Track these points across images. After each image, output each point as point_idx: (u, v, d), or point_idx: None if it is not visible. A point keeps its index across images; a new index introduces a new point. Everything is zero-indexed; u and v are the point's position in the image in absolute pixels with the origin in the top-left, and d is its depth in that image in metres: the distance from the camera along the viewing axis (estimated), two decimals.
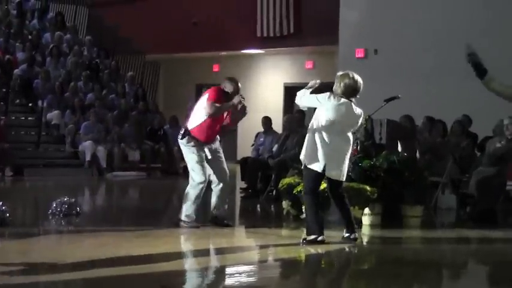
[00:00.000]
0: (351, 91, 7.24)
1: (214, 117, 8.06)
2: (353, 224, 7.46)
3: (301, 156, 7.34)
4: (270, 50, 19.66)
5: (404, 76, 15.06)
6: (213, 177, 8.23)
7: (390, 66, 15.51)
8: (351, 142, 7.37)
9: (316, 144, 7.18)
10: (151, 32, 20.36)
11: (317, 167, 7.18)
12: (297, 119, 12.11)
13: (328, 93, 7.23)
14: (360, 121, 7.39)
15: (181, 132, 8.19)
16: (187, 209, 8.11)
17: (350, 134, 7.36)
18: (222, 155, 8.28)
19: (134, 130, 17.35)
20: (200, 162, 8.06)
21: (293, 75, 20.10)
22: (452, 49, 14.71)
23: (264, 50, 19.86)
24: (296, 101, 7.51)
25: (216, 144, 8.24)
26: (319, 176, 7.27)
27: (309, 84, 7.45)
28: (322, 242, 7.21)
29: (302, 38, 18.31)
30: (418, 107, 12.49)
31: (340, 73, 7.37)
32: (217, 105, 8.04)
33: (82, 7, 21.74)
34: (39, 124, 16.78)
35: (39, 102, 17.13)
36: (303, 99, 7.37)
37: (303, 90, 7.41)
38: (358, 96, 7.32)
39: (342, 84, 7.24)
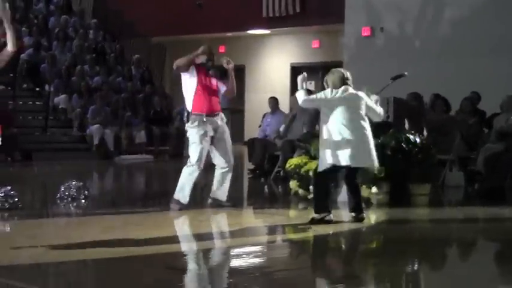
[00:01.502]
0: (339, 80, 7.30)
1: (183, 70, 8.09)
2: (361, 205, 7.47)
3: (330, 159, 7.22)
4: (276, 30, 19.60)
5: (411, 54, 15.00)
6: (217, 160, 8.23)
7: (396, 44, 15.44)
8: (367, 126, 7.32)
9: (337, 139, 7.14)
10: (156, 15, 20.32)
11: (344, 161, 7.14)
12: None
13: (329, 89, 7.28)
14: (363, 101, 7.33)
15: (185, 115, 8.21)
16: (179, 190, 8.08)
17: (362, 119, 7.30)
18: (227, 136, 8.26)
19: (140, 113, 17.35)
20: (199, 143, 8.02)
21: (300, 55, 20.05)
22: (459, 26, 14.67)
23: (270, 30, 19.80)
24: (301, 105, 7.50)
25: (220, 123, 8.21)
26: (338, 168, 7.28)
27: (299, 83, 7.42)
28: (330, 222, 7.22)
29: (308, 17, 18.23)
30: (425, 85, 12.44)
31: (330, 71, 7.48)
32: (180, 60, 8.15)
33: None
34: (46, 109, 16.81)
35: (46, 87, 17.14)
36: (307, 102, 7.36)
37: (300, 93, 7.35)
38: (351, 84, 7.31)
39: (332, 78, 7.35)
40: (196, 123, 8.06)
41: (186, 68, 8.14)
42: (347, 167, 7.27)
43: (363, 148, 7.21)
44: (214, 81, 8.27)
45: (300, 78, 7.46)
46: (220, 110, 8.27)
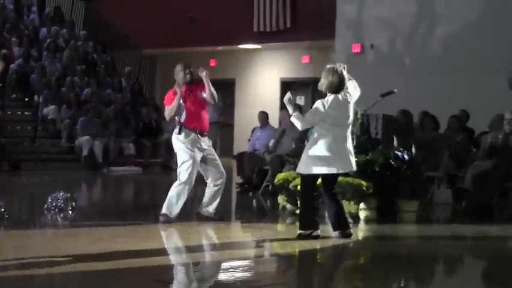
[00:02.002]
0: (334, 88, 7.22)
1: (171, 116, 8.08)
2: (347, 220, 7.47)
3: (312, 167, 7.23)
4: (267, 45, 19.65)
5: (401, 71, 15.07)
6: (210, 178, 8.20)
7: (386, 61, 15.52)
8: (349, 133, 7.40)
9: (328, 148, 7.15)
10: (148, 27, 20.34)
11: (335, 169, 7.17)
12: None
13: (319, 102, 7.20)
14: (352, 109, 7.35)
15: (177, 127, 8.14)
16: (168, 205, 8.03)
17: (348, 128, 7.35)
18: (214, 155, 8.25)
19: (129, 125, 17.34)
20: (189, 161, 7.99)
21: (290, 70, 20.10)
22: (450, 44, 14.76)
23: (261, 45, 19.85)
24: (299, 128, 7.43)
25: (207, 143, 8.20)
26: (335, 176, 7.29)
27: (287, 105, 7.33)
28: (318, 237, 7.22)
29: (299, 32, 18.30)
30: (415, 102, 12.50)
31: (327, 66, 7.33)
32: (168, 107, 8.09)
33: (79, 1, 21.72)
34: (35, 119, 16.77)
35: (36, 97, 17.11)
36: (303, 123, 7.27)
37: (295, 119, 7.26)
38: (348, 84, 7.31)
39: (327, 81, 7.23)
40: (189, 138, 8.05)
41: (176, 113, 8.11)
42: (326, 178, 7.26)
43: (346, 155, 7.22)
44: (199, 94, 8.19)
45: (286, 100, 7.32)
46: (207, 131, 8.25)
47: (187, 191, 8.02)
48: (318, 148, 7.15)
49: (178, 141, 8.07)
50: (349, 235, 7.37)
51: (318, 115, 7.18)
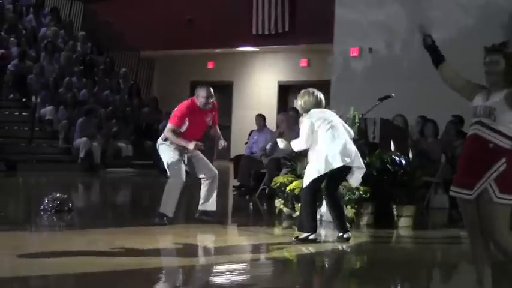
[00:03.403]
0: (310, 106, 7.37)
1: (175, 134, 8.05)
2: (346, 224, 7.49)
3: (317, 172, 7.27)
4: (265, 48, 19.65)
5: (398, 75, 15.07)
6: (201, 174, 8.25)
7: (384, 65, 15.51)
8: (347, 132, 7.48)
9: (328, 150, 7.21)
10: (146, 29, 20.33)
11: (336, 163, 7.20)
12: (291, 117, 12.10)
13: (304, 119, 7.34)
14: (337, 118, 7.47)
15: (163, 137, 8.17)
16: (164, 204, 8.09)
17: (344, 127, 7.46)
18: (202, 154, 8.28)
19: (127, 126, 17.34)
20: (176, 158, 8.04)
21: (287, 73, 20.10)
22: (447, 49, 14.74)
23: (259, 48, 19.85)
24: (300, 150, 7.58)
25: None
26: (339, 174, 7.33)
27: (278, 140, 7.73)
28: (314, 241, 7.22)
29: (297, 36, 18.30)
30: (412, 106, 12.51)
31: (302, 91, 7.53)
32: (172, 135, 8.01)
33: (77, 2, 21.72)
34: (32, 119, 16.75)
35: (33, 98, 17.09)
36: (301, 144, 7.36)
37: (295, 144, 7.44)
38: (323, 107, 7.45)
39: (302, 102, 7.42)
40: (172, 147, 8.05)
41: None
42: (334, 176, 7.27)
43: (355, 150, 7.31)
44: (205, 118, 8.20)
45: (276, 133, 7.62)
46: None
47: (180, 187, 8.05)
48: (320, 154, 7.19)
49: (163, 145, 8.10)
50: (347, 239, 7.38)
51: (310, 127, 7.26)
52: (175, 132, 8.02)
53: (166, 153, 8.08)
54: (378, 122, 9.80)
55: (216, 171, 8.31)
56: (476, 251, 4.93)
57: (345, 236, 7.38)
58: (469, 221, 4.85)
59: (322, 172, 7.20)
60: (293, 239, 7.31)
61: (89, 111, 16.78)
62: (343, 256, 7.23)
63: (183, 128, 8.06)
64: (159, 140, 8.20)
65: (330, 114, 7.44)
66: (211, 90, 8.14)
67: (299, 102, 7.45)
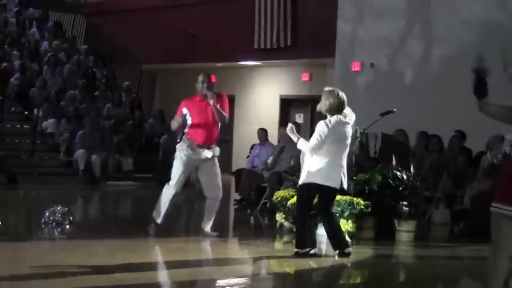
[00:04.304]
0: (335, 109, 7.28)
1: (174, 129, 8.30)
2: (345, 239, 7.47)
3: (313, 178, 7.22)
4: (267, 62, 19.69)
5: (400, 90, 15.10)
6: (205, 192, 8.28)
7: (386, 80, 15.54)
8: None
9: (329, 164, 7.18)
10: (148, 42, 20.40)
11: (335, 183, 7.18)
12: None
13: (322, 123, 7.23)
14: (350, 131, 7.40)
15: (179, 135, 8.32)
16: (156, 209, 8.27)
17: (347, 147, 7.41)
18: (215, 169, 8.27)
19: (128, 140, 17.33)
20: (180, 166, 8.13)
21: (289, 87, 20.12)
22: (449, 64, 14.79)
23: (261, 62, 19.89)
24: (312, 153, 7.29)
25: (211, 154, 8.22)
26: (333, 192, 7.29)
27: (292, 135, 7.37)
28: (315, 255, 7.20)
29: (299, 50, 18.34)
30: (412, 122, 12.52)
31: (327, 89, 7.40)
32: (173, 121, 8.26)
33: (80, 16, 21.80)
34: (34, 132, 16.76)
35: (35, 111, 17.11)
36: (314, 148, 7.21)
37: (301, 144, 7.31)
38: (345, 110, 7.35)
39: (327, 103, 7.28)
40: (185, 145, 8.13)
41: (181, 127, 8.21)
42: (324, 195, 7.25)
43: (344, 173, 7.27)
44: (209, 109, 8.21)
45: (289, 130, 7.37)
46: (214, 143, 8.27)
47: (171, 195, 8.18)
48: (319, 163, 7.16)
49: (178, 150, 8.23)
50: (348, 254, 7.36)
51: (325, 137, 7.18)
52: (178, 122, 8.15)
53: (175, 162, 8.22)
54: (379, 137, 9.81)
55: (219, 193, 8.31)
56: (498, 273, 4.77)
57: (345, 250, 7.35)
58: (504, 241, 4.77)
59: (314, 181, 7.16)
60: (293, 253, 7.28)
61: (92, 122, 16.79)
62: (343, 271, 7.20)
63: (189, 121, 8.15)
64: (177, 146, 8.31)
65: (344, 130, 7.30)
66: (208, 75, 8.29)
67: (325, 102, 7.26)
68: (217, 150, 8.31)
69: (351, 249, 7.43)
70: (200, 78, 8.30)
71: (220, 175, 8.36)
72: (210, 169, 8.24)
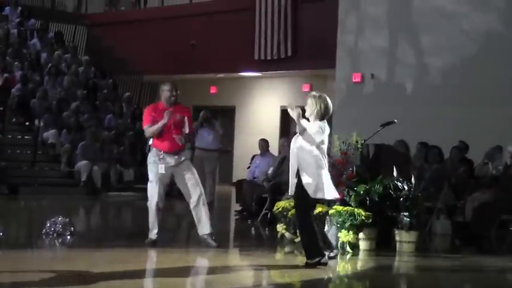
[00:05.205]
0: (326, 114, 7.29)
1: (154, 136, 8.23)
2: (318, 247, 7.32)
3: (310, 189, 7.20)
4: (267, 73, 19.72)
5: (401, 101, 15.11)
6: (185, 197, 8.30)
7: (386, 91, 15.57)
8: None
9: (321, 172, 7.18)
10: (149, 53, 20.44)
11: (321, 194, 7.20)
12: None
13: (319, 123, 7.22)
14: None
15: (147, 149, 8.40)
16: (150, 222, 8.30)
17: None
18: (190, 172, 8.23)
19: (129, 150, 17.34)
20: (152, 181, 8.21)
21: (290, 98, 20.03)
22: (449, 75, 14.82)
23: (261, 73, 19.92)
24: (317, 139, 7.21)
25: (181, 159, 8.23)
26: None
27: (298, 118, 7.09)
28: (326, 264, 7.17)
29: (299, 61, 18.37)
30: (413, 132, 12.53)
31: (315, 94, 7.36)
32: (148, 128, 8.24)
33: (81, 27, 21.86)
34: (35, 143, 16.78)
35: (36, 121, 17.13)
36: (318, 132, 7.16)
37: (306, 124, 7.19)
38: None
39: (322, 106, 7.24)
40: (152, 157, 8.21)
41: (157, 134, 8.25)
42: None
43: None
44: (175, 116, 8.20)
45: (295, 115, 7.05)
46: (180, 149, 8.25)
47: (153, 207, 8.22)
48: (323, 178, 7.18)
49: (148, 163, 8.33)
50: (333, 257, 7.46)
51: (322, 132, 7.20)
52: (148, 132, 8.23)
53: (148, 172, 8.30)
54: (380, 148, 9.81)
55: (199, 191, 8.21)
56: None
57: (331, 254, 7.37)
58: None
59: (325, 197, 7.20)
60: (304, 263, 7.24)
61: (93, 133, 16.81)
62: (344, 282, 7.20)
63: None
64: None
65: (327, 136, 7.34)
66: (175, 85, 8.26)
67: (316, 107, 7.19)
68: (186, 153, 8.35)
69: (336, 251, 7.60)
70: (166, 87, 8.26)
71: (196, 174, 8.28)
72: (184, 172, 8.23)
